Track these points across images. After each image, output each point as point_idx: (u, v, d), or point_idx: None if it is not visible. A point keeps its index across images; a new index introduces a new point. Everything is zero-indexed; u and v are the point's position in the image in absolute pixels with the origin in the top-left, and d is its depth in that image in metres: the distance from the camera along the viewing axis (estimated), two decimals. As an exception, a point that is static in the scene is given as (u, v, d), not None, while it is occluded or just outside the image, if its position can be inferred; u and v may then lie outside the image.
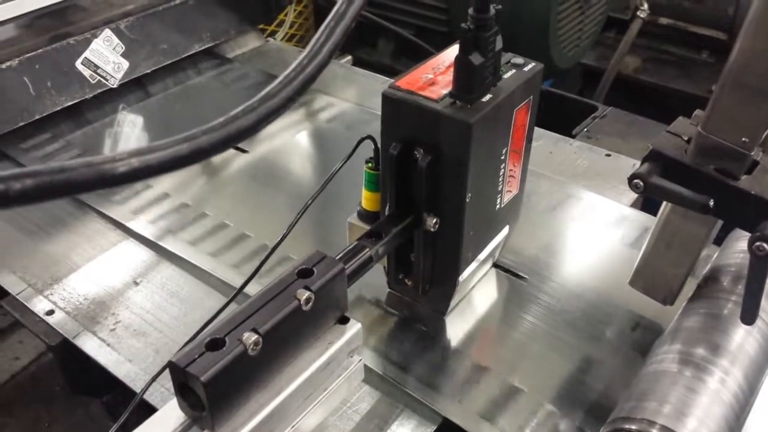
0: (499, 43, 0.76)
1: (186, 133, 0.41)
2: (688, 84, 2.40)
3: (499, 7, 0.73)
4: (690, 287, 0.88)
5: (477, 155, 0.78)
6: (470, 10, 0.72)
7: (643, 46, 2.63)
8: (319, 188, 0.88)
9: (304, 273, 0.71)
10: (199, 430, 0.66)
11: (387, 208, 0.86)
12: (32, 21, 1.38)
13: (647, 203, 1.16)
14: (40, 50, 1.33)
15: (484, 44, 0.73)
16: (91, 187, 0.38)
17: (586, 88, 2.39)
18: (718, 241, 0.92)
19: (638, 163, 0.76)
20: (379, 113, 0.82)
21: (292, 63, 0.47)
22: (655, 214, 1.03)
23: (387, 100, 0.80)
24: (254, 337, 0.64)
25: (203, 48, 1.60)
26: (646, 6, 2.50)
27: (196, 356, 0.62)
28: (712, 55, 2.45)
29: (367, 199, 0.92)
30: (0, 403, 1.57)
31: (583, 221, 1.14)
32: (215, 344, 0.63)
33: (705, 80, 2.35)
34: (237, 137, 0.43)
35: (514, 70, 0.83)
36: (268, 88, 0.45)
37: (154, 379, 0.83)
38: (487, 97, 0.78)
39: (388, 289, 0.99)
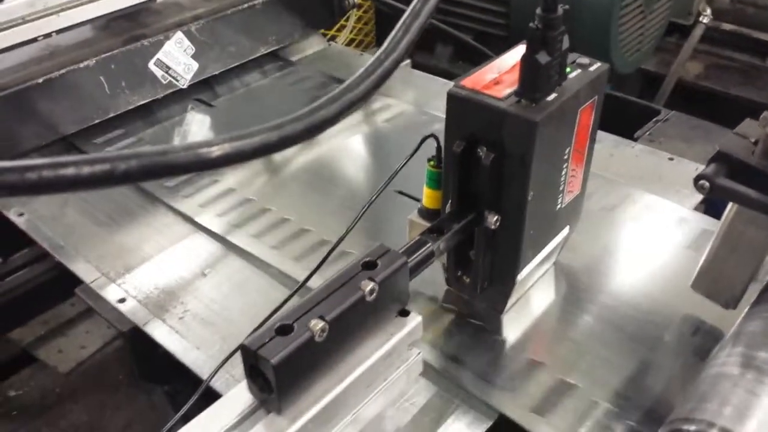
0: (566, 43, 0.77)
1: (274, 122, 0.44)
2: (752, 91, 2.35)
3: (567, 7, 0.74)
4: (751, 292, 0.87)
5: (541, 154, 0.79)
6: (538, 10, 0.73)
7: (705, 51, 2.58)
8: (382, 185, 0.91)
9: (369, 265, 0.73)
10: (265, 413, 0.69)
11: (448, 205, 0.88)
12: (108, 23, 1.44)
13: (710, 207, 1.14)
14: (116, 51, 1.39)
15: (551, 43, 0.74)
16: (189, 169, 0.41)
17: (646, 93, 2.36)
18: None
19: (702, 167, 0.76)
20: (438, 114, 0.84)
21: (370, 58, 0.50)
22: (718, 218, 1.02)
23: (452, 98, 0.82)
24: (321, 323, 0.67)
25: (268, 51, 1.65)
26: (708, 11, 2.45)
27: (267, 340, 0.65)
28: (777, 61, 2.40)
29: (428, 196, 0.93)
30: (66, 389, 1.64)
31: (644, 223, 1.14)
32: (285, 330, 0.66)
33: (769, 87, 2.30)
34: (320, 126, 0.45)
35: (579, 70, 0.83)
36: (348, 81, 0.48)
37: (221, 365, 0.86)
38: (552, 96, 0.79)
39: (446, 287, 1.01)
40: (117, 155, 0.39)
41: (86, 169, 0.38)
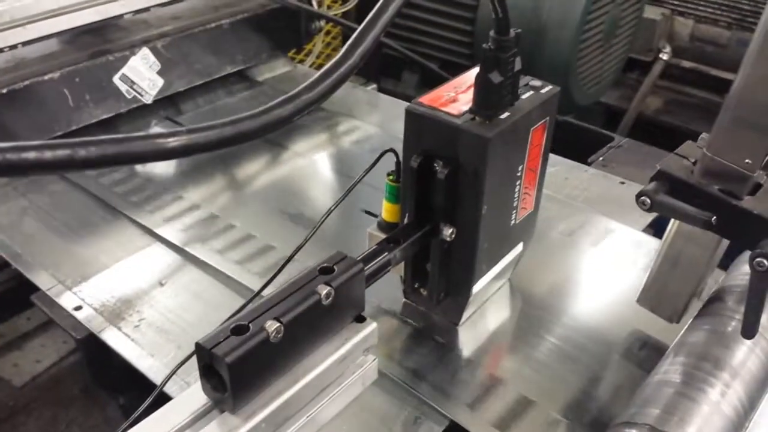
0: (518, 64, 0.80)
1: (231, 118, 0.46)
2: (710, 127, 2.43)
3: (519, 30, 0.78)
4: (696, 308, 0.91)
5: (494, 169, 0.82)
6: (491, 32, 0.77)
7: (665, 87, 2.67)
8: (340, 197, 0.93)
9: (326, 270, 0.75)
10: (218, 413, 0.70)
11: (406, 217, 0.90)
12: (75, 37, 1.45)
13: (658, 230, 1.19)
14: (81, 64, 1.40)
15: (503, 64, 0.78)
16: (146, 157, 0.43)
17: (608, 127, 2.43)
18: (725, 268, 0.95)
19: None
20: (402, 136, 0.87)
21: (327, 64, 0.52)
22: (664, 239, 1.06)
23: (410, 114, 0.85)
24: (276, 325, 0.68)
25: (235, 70, 1.67)
26: (668, 48, 2.56)
27: (222, 339, 0.66)
28: (735, 98, 2.49)
29: (387, 210, 0.96)
30: (19, 403, 1.62)
31: (596, 244, 1.18)
32: (240, 329, 0.67)
33: (726, 123, 2.38)
34: (275, 124, 0.48)
35: (531, 92, 0.87)
36: (304, 84, 0.50)
37: (175, 369, 0.86)
38: (505, 114, 0.82)
39: (404, 300, 1.03)
40: (78, 141, 0.41)
41: (48, 154, 0.40)
